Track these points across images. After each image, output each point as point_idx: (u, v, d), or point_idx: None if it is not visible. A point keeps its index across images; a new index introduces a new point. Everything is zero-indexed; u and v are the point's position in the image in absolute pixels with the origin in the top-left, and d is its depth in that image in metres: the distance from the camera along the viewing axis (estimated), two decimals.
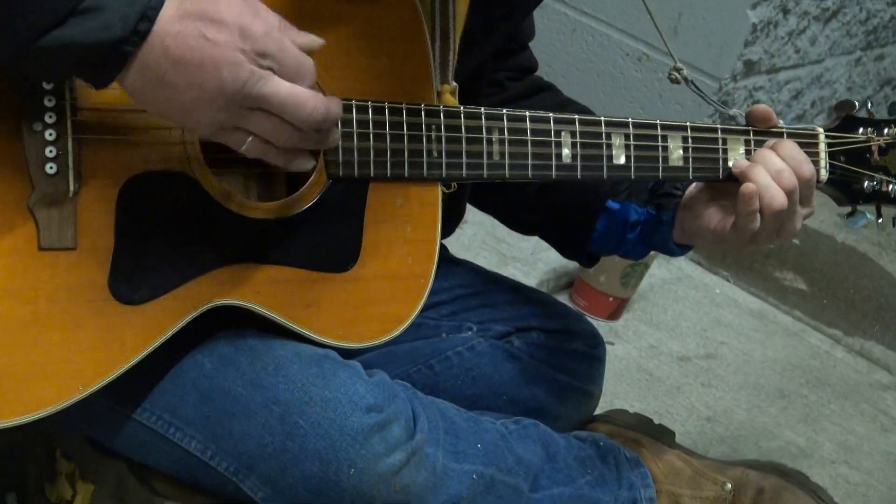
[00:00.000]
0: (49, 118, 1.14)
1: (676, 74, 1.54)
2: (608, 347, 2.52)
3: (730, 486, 1.73)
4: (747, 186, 1.42)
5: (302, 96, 1.11)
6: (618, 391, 2.41)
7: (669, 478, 1.75)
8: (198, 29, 1.05)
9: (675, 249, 1.61)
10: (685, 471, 1.77)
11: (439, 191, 1.38)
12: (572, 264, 2.74)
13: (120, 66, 1.05)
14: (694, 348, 2.73)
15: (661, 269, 3.07)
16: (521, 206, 1.69)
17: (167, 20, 1.05)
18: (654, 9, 3.03)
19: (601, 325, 2.66)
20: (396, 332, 1.36)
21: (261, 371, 1.29)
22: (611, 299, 2.69)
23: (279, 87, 1.09)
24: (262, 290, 1.28)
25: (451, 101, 1.38)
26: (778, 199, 1.41)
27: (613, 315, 2.72)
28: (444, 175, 1.36)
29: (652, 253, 2.63)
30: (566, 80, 3.20)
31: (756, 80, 3.12)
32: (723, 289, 3.10)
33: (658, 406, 2.41)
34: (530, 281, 2.72)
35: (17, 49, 1.02)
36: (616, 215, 1.61)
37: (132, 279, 1.20)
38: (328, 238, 1.32)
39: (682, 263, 3.16)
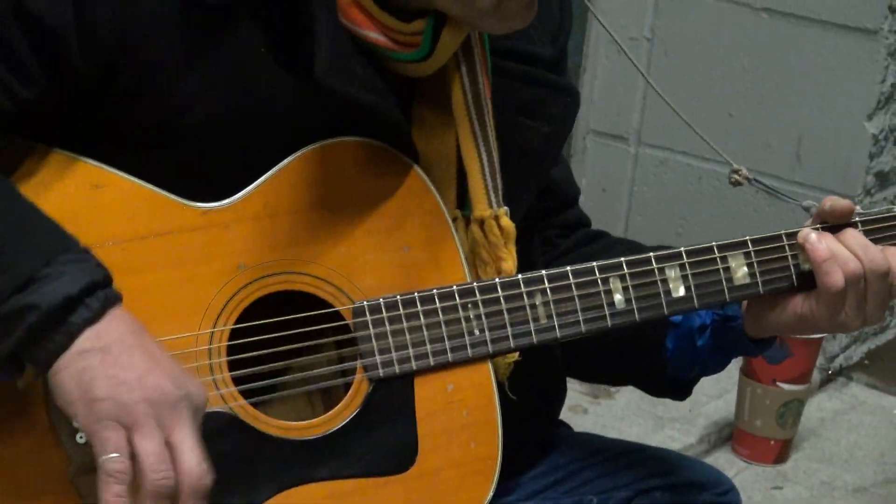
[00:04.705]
0: None
1: (737, 177, 1.49)
2: (775, 493, 2.41)
3: None
4: (807, 237, 1.37)
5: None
6: None
7: None
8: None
9: (751, 347, 1.51)
10: None
11: (489, 367, 1.34)
12: (729, 415, 2.65)
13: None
14: (871, 476, 2.58)
15: (833, 401, 2.94)
16: (591, 357, 1.62)
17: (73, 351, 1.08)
18: (772, 137, 3.01)
19: (769, 471, 2.56)
20: None
21: None
22: (772, 442, 2.59)
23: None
24: None
25: (509, 223, 1.33)
26: (851, 262, 1.35)
27: (779, 458, 2.61)
28: (490, 352, 1.32)
29: (806, 387, 2.55)
30: (701, 229, 3.16)
31: (894, 189, 3.04)
32: None
33: None
34: (690, 439, 2.66)
35: None
36: (682, 327, 1.53)
37: None
38: (382, 441, 1.28)
39: (856, 390, 3.02)
